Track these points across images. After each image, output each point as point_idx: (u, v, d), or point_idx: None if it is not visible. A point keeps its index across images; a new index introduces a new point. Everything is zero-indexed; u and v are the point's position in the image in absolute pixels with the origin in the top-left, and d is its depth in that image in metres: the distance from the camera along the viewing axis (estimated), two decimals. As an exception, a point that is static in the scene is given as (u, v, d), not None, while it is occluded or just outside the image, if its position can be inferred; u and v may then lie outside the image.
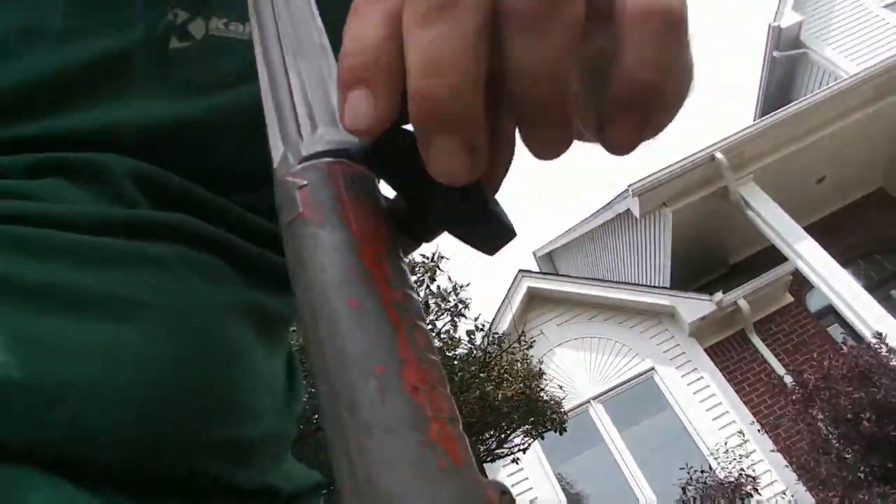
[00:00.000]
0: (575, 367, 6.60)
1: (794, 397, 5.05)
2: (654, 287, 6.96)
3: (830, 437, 4.71)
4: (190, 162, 0.42)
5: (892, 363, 4.60)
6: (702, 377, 6.31)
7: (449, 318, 4.39)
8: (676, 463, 5.70)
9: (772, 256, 6.49)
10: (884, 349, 4.77)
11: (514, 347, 4.49)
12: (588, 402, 6.39)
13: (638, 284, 7.14)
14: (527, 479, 6.12)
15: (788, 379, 6.07)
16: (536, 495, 6.03)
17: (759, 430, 5.80)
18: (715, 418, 6.06)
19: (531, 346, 4.68)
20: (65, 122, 0.37)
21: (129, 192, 0.37)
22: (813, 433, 4.88)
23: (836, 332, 6.59)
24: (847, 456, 4.58)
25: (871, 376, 4.55)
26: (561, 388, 4.66)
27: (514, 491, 6.07)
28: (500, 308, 6.89)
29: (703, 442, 5.97)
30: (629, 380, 6.47)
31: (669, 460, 5.84)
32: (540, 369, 4.58)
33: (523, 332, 4.62)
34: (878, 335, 4.90)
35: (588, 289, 6.90)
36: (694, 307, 6.43)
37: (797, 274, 5.96)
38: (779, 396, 5.95)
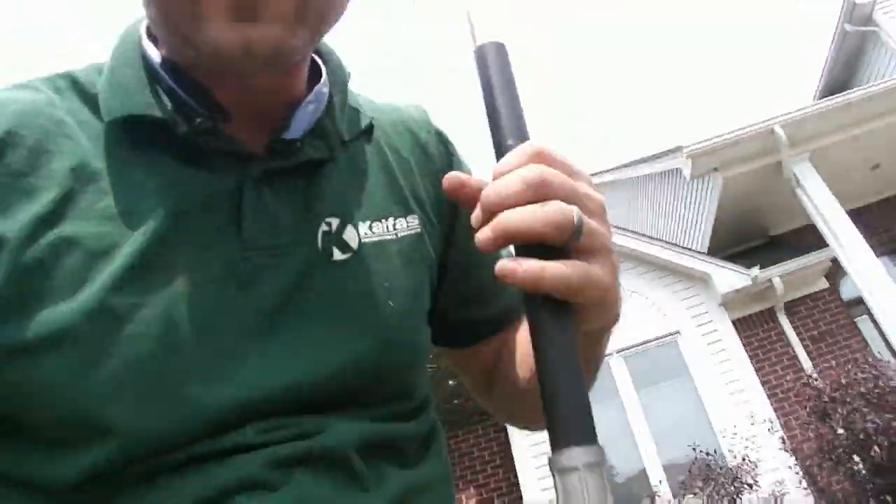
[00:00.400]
0: None
1: (809, 400, 4.99)
2: (694, 251, 6.87)
3: (839, 448, 4.65)
4: (367, 389, 0.47)
5: None
6: (725, 349, 6.33)
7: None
8: (686, 432, 5.84)
9: (811, 236, 6.45)
10: None
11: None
12: (610, 353, 6.40)
13: (677, 245, 7.04)
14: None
15: (808, 367, 6.17)
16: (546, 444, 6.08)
17: (769, 421, 5.78)
18: (731, 393, 6.08)
19: None
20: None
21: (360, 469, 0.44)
22: (822, 437, 4.83)
23: (865, 324, 6.57)
24: (854, 468, 4.54)
25: (889, 399, 4.41)
26: None
27: (527, 438, 5.88)
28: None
29: (716, 416, 6.02)
30: (654, 339, 6.46)
31: (680, 429, 5.96)
32: None
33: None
34: None
35: (627, 240, 6.81)
36: (729, 278, 6.41)
37: (836, 261, 5.95)
38: (796, 384, 5.97)
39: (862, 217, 6.38)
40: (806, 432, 5.14)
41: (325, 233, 0.49)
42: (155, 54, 0.48)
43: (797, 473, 5.19)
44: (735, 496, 4.80)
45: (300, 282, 0.46)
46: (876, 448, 4.26)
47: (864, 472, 4.47)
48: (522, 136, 0.39)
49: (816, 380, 5.13)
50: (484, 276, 0.58)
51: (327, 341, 0.45)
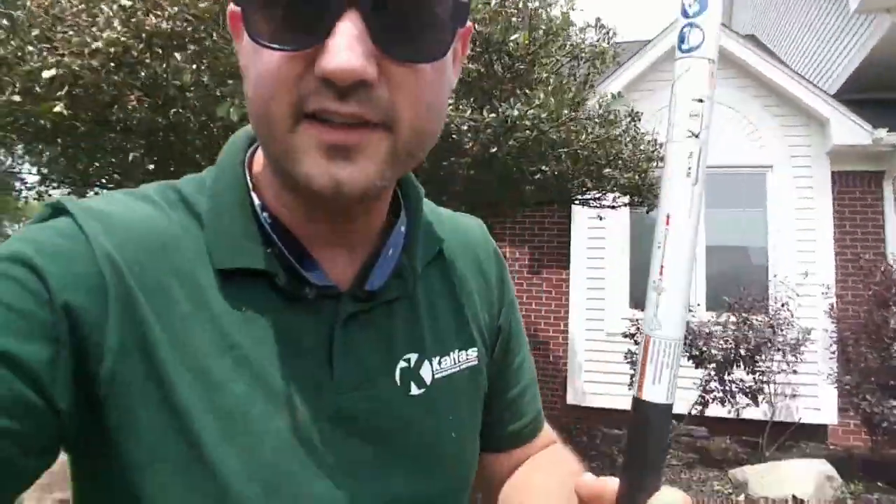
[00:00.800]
0: None
1: (877, 284, 4.80)
2: (821, 90, 6.14)
3: (884, 335, 4.58)
4: None
5: None
6: (812, 199, 5.92)
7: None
8: (739, 265, 5.77)
9: None
10: None
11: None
12: None
13: (805, 78, 6.25)
14: (603, 238, 6.18)
15: (893, 250, 5.84)
16: (606, 259, 6.19)
17: (826, 286, 5.55)
18: (800, 245, 5.81)
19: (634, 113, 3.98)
20: None
21: None
22: (871, 321, 4.72)
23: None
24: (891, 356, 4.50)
25: None
26: (655, 139, 4.23)
27: (588, 239, 5.89)
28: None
29: (775, 260, 5.85)
30: (745, 166, 6.02)
31: (734, 260, 5.88)
32: (635, 112, 4.03)
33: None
34: None
35: (752, 58, 6.08)
36: (849, 129, 5.77)
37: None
38: (869, 262, 5.67)
39: None
40: (858, 310, 5.02)
41: (403, 369, 0.55)
42: (260, 204, 0.53)
43: (832, 337, 5.12)
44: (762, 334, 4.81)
45: (383, 417, 0.52)
46: None
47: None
48: None
49: (892, 266, 4.86)
50: (516, 391, 0.69)
51: (406, 472, 0.53)
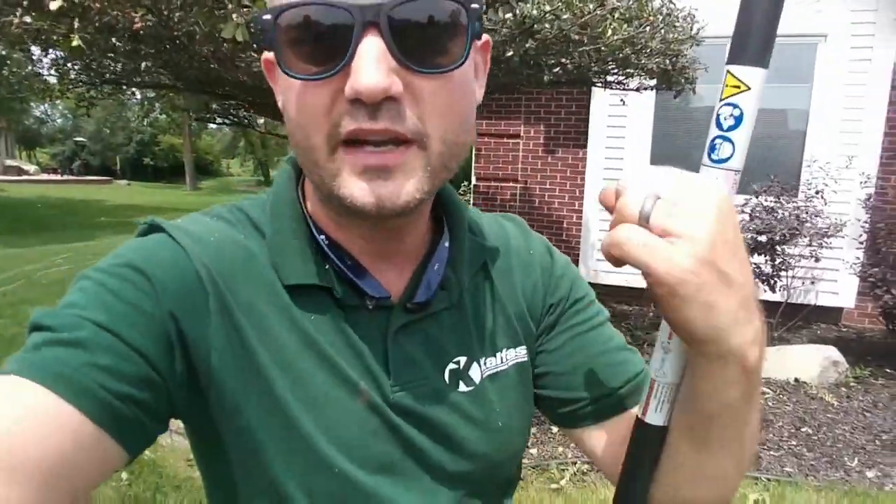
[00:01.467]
0: None
1: None
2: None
3: None
4: None
5: None
6: (867, 74, 5.40)
7: None
8: (774, 143, 5.47)
9: None
10: None
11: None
12: (728, 38, 5.64)
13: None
14: (625, 117, 5.89)
15: None
16: (626, 139, 5.91)
17: (867, 176, 5.18)
18: (844, 126, 5.42)
19: None
20: None
21: None
22: None
23: None
24: None
25: None
26: (693, 17, 3.84)
27: (608, 118, 5.75)
28: None
29: (813, 142, 5.53)
30: (793, 35, 5.42)
31: (770, 137, 5.56)
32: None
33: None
34: None
35: None
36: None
37: None
38: None
39: None
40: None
41: (452, 370, 0.62)
42: (315, 226, 0.59)
43: (863, 227, 4.98)
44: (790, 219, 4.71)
45: (434, 408, 0.60)
46: None
47: None
48: None
49: None
50: (592, 358, 0.69)
51: (455, 453, 0.61)
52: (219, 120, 5.93)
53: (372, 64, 0.44)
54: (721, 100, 0.43)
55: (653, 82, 4.11)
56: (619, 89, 4.27)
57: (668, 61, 3.57)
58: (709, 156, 0.45)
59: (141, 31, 2.03)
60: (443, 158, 0.51)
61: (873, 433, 3.66)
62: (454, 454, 0.61)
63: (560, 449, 3.28)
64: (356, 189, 0.49)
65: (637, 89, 4.30)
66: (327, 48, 0.46)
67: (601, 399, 0.67)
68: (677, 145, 5.90)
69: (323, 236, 0.59)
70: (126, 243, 0.55)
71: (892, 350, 4.79)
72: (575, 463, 3.11)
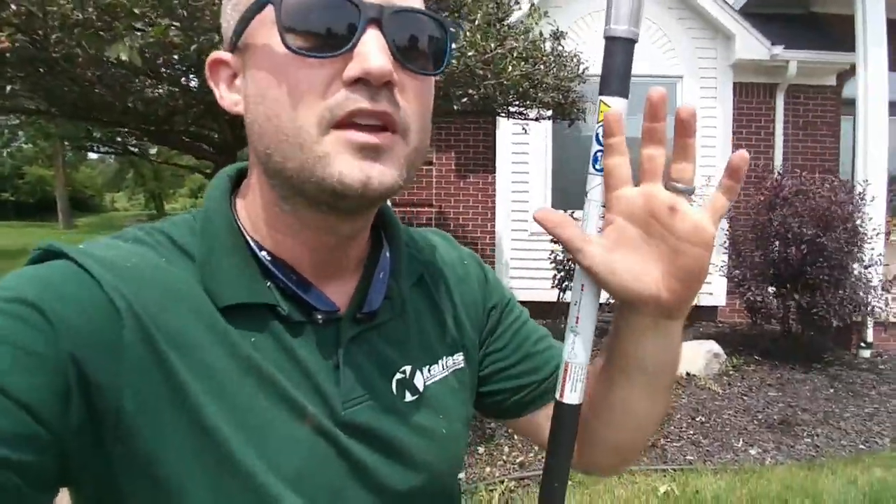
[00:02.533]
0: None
1: (768, 190, 5.07)
2: (729, 6, 6.11)
3: (769, 234, 4.89)
4: None
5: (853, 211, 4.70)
6: (715, 108, 6.11)
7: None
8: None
9: (846, 26, 5.82)
10: (856, 198, 4.82)
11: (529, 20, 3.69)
12: None
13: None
14: (527, 144, 6.15)
15: (779, 156, 6.19)
16: (530, 164, 6.17)
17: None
18: (703, 146, 5.98)
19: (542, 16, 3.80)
20: None
21: None
22: (759, 222, 5.03)
23: (847, 124, 6.45)
24: (770, 253, 4.85)
25: (829, 220, 4.62)
26: (578, 58, 4.14)
27: (512, 145, 5.89)
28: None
29: None
30: (658, 76, 5.96)
31: None
32: (559, 31, 3.98)
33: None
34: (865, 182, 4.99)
35: None
36: (750, 45, 5.90)
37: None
38: (763, 170, 6.00)
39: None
40: (748, 212, 5.35)
41: (399, 380, 0.59)
42: (255, 242, 0.54)
43: (726, 234, 5.44)
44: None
45: (383, 423, 0.56)
46: (793, 249, 4.64)
47: (777, 259, 4.83)
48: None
49: (781, 175, 5.18)
50: (526, 352, 0.72)
51: (404, 467, 0.57)
52: (103, 149, 5.30)
53: (380, 49, 0.46)
54: (598, 122, 0.52)
55: (549, 113, 4.26)
56: (520, 119, 4.39)
57: (560, 96, 3.69)
58: (593, 165, 0.52)
59: (7, 54, 1.69)
60: (415, 154, 0.51)
61: (751, 414, 3.97)
62: (404, 468, 0.57)
63: (487, 469, 3.20)
64: (346, 166, 0.46)
65: (536, 119, 4.49)
66: (331, 34, 0.46)
67: (543, 382, 0.70)
68: (573, 167, 6.24)
69: (264, 252, 0.54)
70: (15, 272, 0.45)
71: (757, 340, 5.29)
72: (503, 482, 3.04)
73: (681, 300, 0.51)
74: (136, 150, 5.35)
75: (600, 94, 0.51)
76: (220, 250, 0.52)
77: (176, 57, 1.92)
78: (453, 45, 0.53)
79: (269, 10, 0.46)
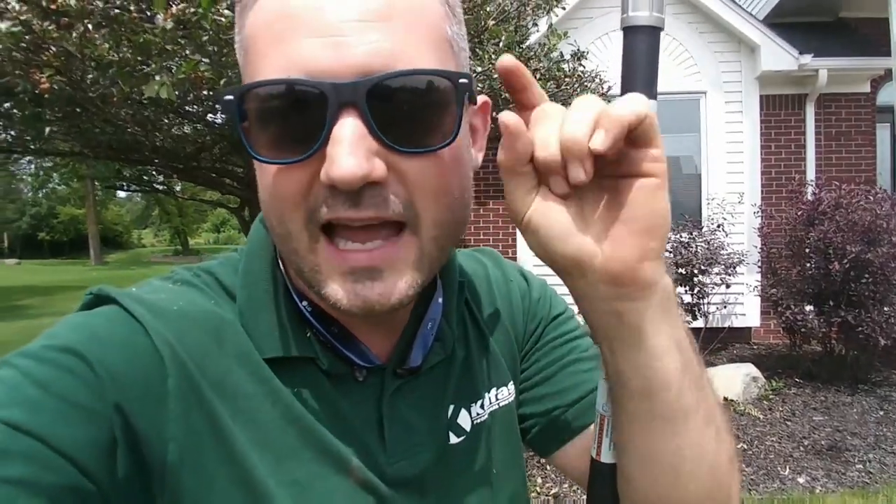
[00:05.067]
0: None
1: (804, 205, 4.93)
2: (751, 16, 6.11)
3: (807, 249, 4.78)
4: None
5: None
6: (742, 122, 6.05)
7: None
8: (676, 187, 5.88)
9: (878, 30, 5.82)
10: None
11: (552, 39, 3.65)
12: None
13: (737, 4, 6.20)
14: None
15: (812, 168, 6.09)
16: None
17: (756, 206, 5.73)
18: (731, 167, 5.99)
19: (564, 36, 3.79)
20: None
21: None
22: (796, 237, 4.89)
23: (883, 132, 6.38)
24: (810, 269, 4.71)
25: (874, 234, 4.48)
26: (599, 78, 4.17)
27: None
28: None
29: (708, 182, 6.03)
30: (680, 92, 6.00)
31: (673, 182, 6.00)
32: (580, 51, 4.02)
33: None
34: None
35: None
36: (777, 56, 5.84)
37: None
38: (793, 182, 5.92)
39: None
40: (782, 228, 5.22)
41: (446, 424, 0.55)
42: (296, 292, 0.51)
43: (760, 253, 5.33)
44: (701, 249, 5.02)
45: (431, 477, 0.53)
46: (835, 265, 4.48)
47: (816, 276, 4.69)
48: None
49: (818, 189, 5.02)
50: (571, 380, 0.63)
51: None
52: (133, 187, 5.49)
53: (350, 149, 0.39)
54: None
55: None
56: None
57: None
58: None
59: (46, 95, 1.78)
60: (437, 242, 0.45)
61: (796, 440, 3.82)
62: None
63: None
64: (341, 292, 0.43)
65: None
66: (300, 130, 0.40)
67: (570, 407, 0.62)
68: None
69: (305, 302, 0.51)
70: (65, 319, 0.45)
71: (797, 361, 5.12)
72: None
73: (632, 252, 0.40)
74: (163, 187, 5.52)
75: (622, 93, 0.42)
76: (260, 299, 0.51)
77: (206, 92, 2.00)
78: (471, 90, 0.44)
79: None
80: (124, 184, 5.45)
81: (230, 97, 0.41)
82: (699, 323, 5.22)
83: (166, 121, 2.22)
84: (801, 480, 3.32)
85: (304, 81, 0.40)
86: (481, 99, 0.52)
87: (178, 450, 0.43)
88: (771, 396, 4.56)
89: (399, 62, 0.40)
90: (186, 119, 2.49)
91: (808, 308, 4.76)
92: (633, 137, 0.39)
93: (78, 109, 2.09)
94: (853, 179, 5.52)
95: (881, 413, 4.21)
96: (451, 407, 0.56)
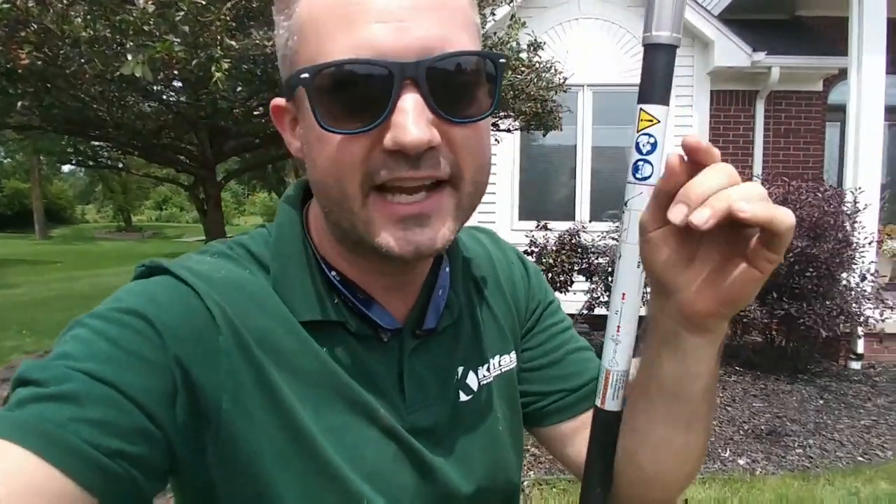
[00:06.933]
0: (582, 48, 6.22)
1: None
2: (707, 12, 6.37)
3: None
4: None
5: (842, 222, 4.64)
6: (691, 117, 6.36)
7: None
8: (622, 178, 6.06)
9: (834, 29, 6.07)
10: (846, 206, 4.78)
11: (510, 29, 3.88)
12: (581, 85, 6.28)
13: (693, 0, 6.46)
14: (495, 155, 6.21)
15: (759, 164, 6.39)
16: (498, 174, 6.32)
17: None
18: (678, 155, 6.28)
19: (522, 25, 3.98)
20: None
21: None
22: None
23: (833, 131, 6.70)
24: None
25: (821, 229, 4.58)
26: (555, 68, 4.31)
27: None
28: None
29: (657, 177, 6.24)
30: (628, 84, 6.21)
31: (618, 173, 6.22)
32: (537, 41, 4.18)
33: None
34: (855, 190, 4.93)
35: None
36: (730, 52, 6.14)
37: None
38: (740, 170, 6.25)
39: None
40: None
41: (455, 382, 0.63)
42: (324, 261, 0.59)
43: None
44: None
45: (444, 426, 0.61)
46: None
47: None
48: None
49: (767, 184, 5.20)
50: (564, 355, 0.73)
51: (464, 465, 0.61)
52: (90, 164, 5.47)
53: (414, 119, 0.46)
54: (638, 131, 0.51)
55: (517, 124, 4.47)
56: (493, 130, 4.59)
57: (538, 105, 3.89)
58: (633, 175, 0.52)
59: (20, 70, 1.87)
60: (471, 198, 0.53)
61: (736, 424, 4.04)
62: (467, 465, 0.62)
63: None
64: (392, 239, 0.50)
65: (508, 130, 4.63)
66: (366, 104, 0.47)
67: (572, 392, 0.70)
68: (541, 179, 6.60)
69: (334, 272, 0.58)
70: (125, 286, 0.53)
71: (737, 350, 5.39)
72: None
73: (710, 309, 0.46)
74: (121, 164, 5.52)
75: (641, 102, 0.50)
76: (292, 268, 0.57)
77: (176, 72, 2.11)
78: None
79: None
80: (76, 158, 5.42)
81: (306, 75, 0.47)
82: (645, 311, 5.42)
83: (132, 99, 2.31)
84: (741, 462, 3.46)
85: (376, 61, 0.46)
86: None
87: (230, 399, 0.50)
88: (710, 383, 4.83)
89: (448, 45, 0.47)
90: (150, 98, 2.58)
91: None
92: (768, 239, 0.42)
93: (49, 85, 2.18)
94: (800, 177, 5.74)
95: (821, 402, 4.44)
96: (461, 369, 0.64)
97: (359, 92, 0.47)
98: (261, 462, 0.51)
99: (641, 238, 0.48)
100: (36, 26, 1.75)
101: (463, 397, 0.63)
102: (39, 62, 1.87)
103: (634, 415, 0.57)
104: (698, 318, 0.47)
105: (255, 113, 3.63)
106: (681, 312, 0.48)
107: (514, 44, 3.58)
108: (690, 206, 0.42)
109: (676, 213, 0.42)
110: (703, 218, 0.41)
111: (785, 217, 0.41)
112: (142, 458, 0.44)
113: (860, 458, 3.59)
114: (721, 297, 0.46)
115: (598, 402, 0.56)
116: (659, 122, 0.51)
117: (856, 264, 4.79)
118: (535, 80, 3.71)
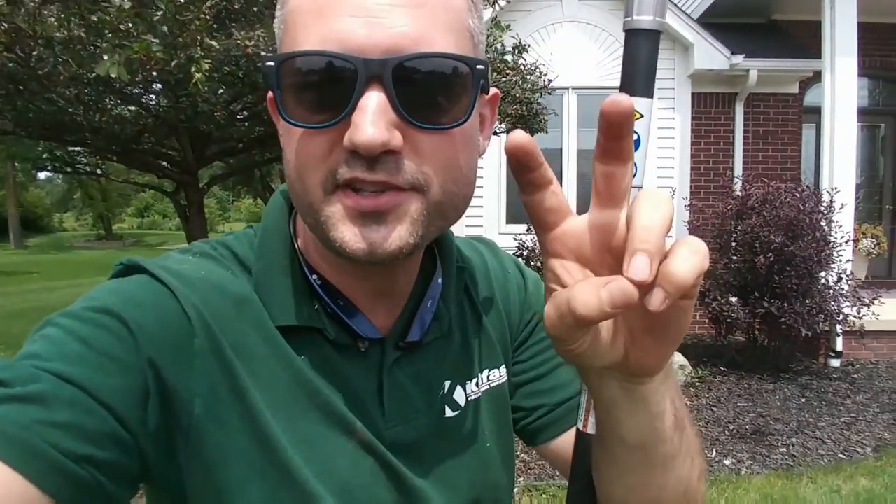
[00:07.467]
0: (566, 51, 6.26)
1: (733, 200, 5.21)
2: (687, 16, 6.48)
3: (733, 242, 5.02)
4: None
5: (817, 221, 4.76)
6: (673, 118, 6.45)
7: None
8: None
9: (808, 32, 6.22)
10: (822, 206, 4.88)
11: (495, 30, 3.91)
12: (567, 87, 6.31)
13: (673, 3, 6.57)
14: (481, 158, 6.35)
15: (740, 163, 6.51)
16: (484, 177, 6.29)
17: (685, 199, 6.21)
18: (661, 160, 6.36)
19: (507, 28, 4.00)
20: None
21: None
22: (723, 230, 5.17)
23: (809, 132, 6.84)
24: (735, 263, 4.95)
25: (797, 228, 4.72)
26: (539, 70, 4.36)
27: None
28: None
29: (640, 179, 6.32)
30: (612, 87, 6.22)
31: None
32: (522, 44, 4.22)
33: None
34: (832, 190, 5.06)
35: None
36: (709, 55, 6.26)
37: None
38: (723, 179, 6.34)
39: (869, 34, 6.08)
40: (709, 222, 5.54)
41: (440, 397, 0.61)
42: (307, 265, 0.57)
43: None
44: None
45: (426, 443, 0.59)
46: (761, 258, 4.74)
47: (742, 269, 4.98)
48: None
49: (748, 185, 5.30)
50: (552, 369, 0.69)
51: (450, 483, 0.59)
52: (67, 170, 5.35)
53: (373, 119, 0.43)
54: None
55: (503, 126, 4.49)
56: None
57: (524, 107, 3.91)
58: None
59: (-8, 71, 1.81)
60: (441, 207, 0.49)
61: (722, 425, 4.10)
62: (450, 485, 0.59)
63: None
64: (348, 234, 0.47)
65: (494, 132, 4.62)
66: (329, 98, 0.45)
67: (556, 407, 0.67)
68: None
69: (315, 276, 0.56)
70: (100, 285, 0.51)
71: (721, 350, 5.46)
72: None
73: (654, 359, 0.40)
74: (100, 170, 5.41)
75: (622, 92, 0.44)
76: (274, 269, 0.55)
77: (155, 73, 2.06)
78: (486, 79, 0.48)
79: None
80: (53, 164, 5.30)
81: (271, 63, 0.46)
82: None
83: (109, 102, 2.25)
84: (727, 462, 3.51)
85: (339, 55, 0.44)
86: (493, 91, 0.56)
87: (203, 404, 0.48)
88: (697, 384, 4.85)
89: (424, 45, 0.45)
90: (128, 101, 2.53)
91: (734, 299, 5.00)
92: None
93: (21, 87, 2.12)
94: (779, 177, 5.86)
95: (803, 400, 4.54)
96: (448, 383, 0.61)
97: (323, 86, 0.45)
98: (228, 470, 0.49)
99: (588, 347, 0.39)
100: (6, 25, 1.70)
101: (449, 413, 0.61)
102: (11, 63, 1.82)
103: (607, 476, 0.51)
104: (646, 372, 0.42)
105: (237, 116, 3.58)
106: (624, 375, 0.42)
107: (498, 45, 3.59)
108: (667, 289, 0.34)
109: (655, 300, 0.34)
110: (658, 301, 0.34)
111: (697, 271, 0.35)
112: (111, 463, 0.42)
113: (841, 456, 3.67)
114: (662, 342, 0.40)
115: (580, 426, 0.52)
116: (642, 116, 0.46)
117: (833, 263, 4.88)
118: (521, 82, 3.72)
